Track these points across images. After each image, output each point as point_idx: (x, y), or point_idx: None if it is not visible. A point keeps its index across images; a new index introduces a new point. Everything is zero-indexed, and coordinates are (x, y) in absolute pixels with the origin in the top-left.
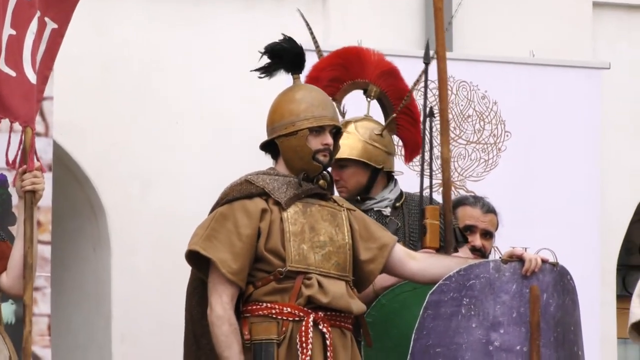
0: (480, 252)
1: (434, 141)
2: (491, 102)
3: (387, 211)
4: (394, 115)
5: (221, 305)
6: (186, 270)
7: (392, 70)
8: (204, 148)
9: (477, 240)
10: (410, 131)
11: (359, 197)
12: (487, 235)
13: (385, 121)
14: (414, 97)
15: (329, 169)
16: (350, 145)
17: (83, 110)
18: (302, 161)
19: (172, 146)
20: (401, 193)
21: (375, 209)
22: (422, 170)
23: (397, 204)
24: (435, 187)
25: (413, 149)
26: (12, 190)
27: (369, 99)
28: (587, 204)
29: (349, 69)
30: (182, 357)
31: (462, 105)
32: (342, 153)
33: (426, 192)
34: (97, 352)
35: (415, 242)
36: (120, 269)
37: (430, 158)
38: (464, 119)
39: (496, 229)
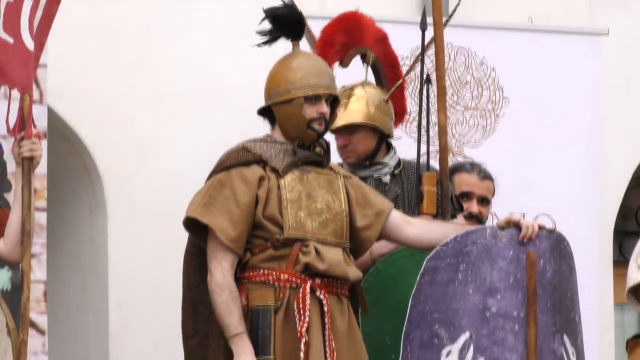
0: (477, 219)
1: (431, 108)
2: (489, 69)
3: (387, 179)
4: (402, 80)
5: (221, 272)
6: (183, 236)
7: (384, 36)
8: (200, 114)
9: (473, 206)
10: (399, 98)
11: (367, 163)
12: (484, 201)
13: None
14: (399, 63)
15: (333, 137)
16: (360, 110)
17: (80, 77)
18: (297, 129)
19: (169, 112)
20: (399, 161)
21: (375, 176)
22: (419, 137)
23: (396, 172)
24: (432, 153)
25: (401, 116)
26: (7, 157)
27: (366, 65)
28: (585, 170)
29: (353, 34)
30: (180, 324)
31: (460, 71)
32: (353, 117)
33: (423, 159)
34: (93, 317)
35: (415, 209)
36: (116, 234)
37: (428, 124)
38: (462, 85)
39: (493, 195)
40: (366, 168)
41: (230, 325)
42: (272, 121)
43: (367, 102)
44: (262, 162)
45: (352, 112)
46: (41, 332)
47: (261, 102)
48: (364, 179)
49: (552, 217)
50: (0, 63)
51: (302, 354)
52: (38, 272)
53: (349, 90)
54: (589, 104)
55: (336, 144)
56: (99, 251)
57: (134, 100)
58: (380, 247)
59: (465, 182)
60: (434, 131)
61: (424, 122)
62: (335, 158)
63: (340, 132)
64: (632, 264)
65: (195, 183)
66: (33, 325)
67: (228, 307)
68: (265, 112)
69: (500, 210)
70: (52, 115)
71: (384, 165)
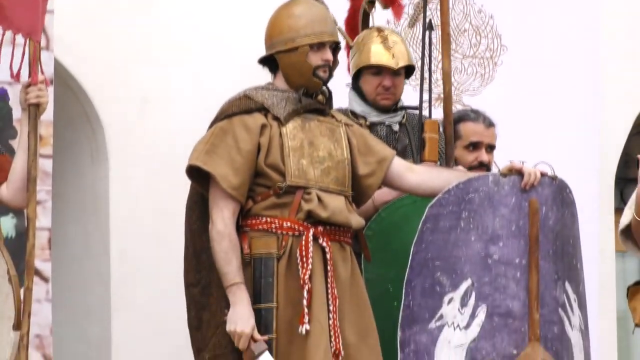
0: (487, 168)
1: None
2: (487, 16)
3: (397, 127)
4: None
5: (222, 220)
6: (185, 185)
7: None
8: (201, 63)
9: (483, 155)
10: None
11: (396, 106)
12: (491, 149)
13: None
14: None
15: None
16: (408, 53)
17: (82, 25)
18: (302, 77)
19: (170, 62)
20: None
21: (386, 123)
22: (422, 84)
23: (403, 120)
24: (432, 100)
25: None
26: (12, 103)
27: (369, 12)
28: (586, 117)
29: None
30: (182, 273)
31: (458, 19)
32: (408, 60)
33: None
34: (95, 266)
35: None
36: (118, 184)
37: (430, 72)
38: (460, 33)
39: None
40: (390, 113)
41: (228, 274)
42: (274, 69)
43: (405, 44)
44: (264, 110)
45: (403, 54)
46: (45, 279)
47: (262, 50)
48: (374, 125)
49: (553, 164)
50: (4, 8)
51: (304, 301)
52: (43, 219)
53: (382, 32)
54: (589, 50)
55: (370, 85)
56: (101, 200)
57: (136, 50)
58: (383, 194)
59: (472, 131)
60: (433, 78)
61: (426, 69)
62: (336, 105)
63: (386, 74)
64: (626, 211)
65: (197, 131)
66: (37, 272)
67: (227, 256)
68: (267, 60)
69: (499, 158)
70: (55, 63)
71: (398, 113)
